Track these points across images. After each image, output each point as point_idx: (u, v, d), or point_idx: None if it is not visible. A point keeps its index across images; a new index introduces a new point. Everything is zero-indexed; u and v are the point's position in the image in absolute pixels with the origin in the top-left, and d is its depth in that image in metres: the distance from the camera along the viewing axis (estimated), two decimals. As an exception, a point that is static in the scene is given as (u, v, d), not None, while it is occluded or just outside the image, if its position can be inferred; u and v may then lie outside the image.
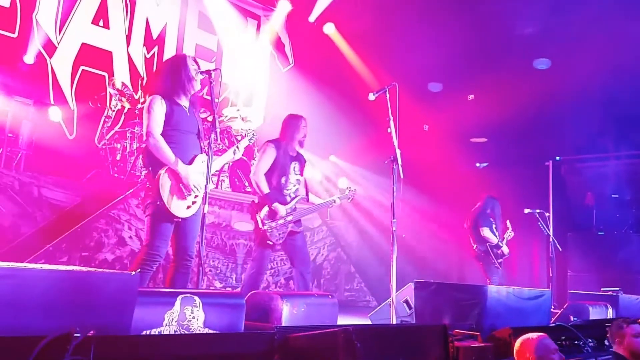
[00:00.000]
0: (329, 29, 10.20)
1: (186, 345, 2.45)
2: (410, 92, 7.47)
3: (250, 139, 4.66)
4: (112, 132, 7.36)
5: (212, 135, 3.89)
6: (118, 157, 7.08)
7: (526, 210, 7.30)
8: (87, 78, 7.90)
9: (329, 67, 10.09)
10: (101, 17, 8.13)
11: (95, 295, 2.35)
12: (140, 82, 8.29)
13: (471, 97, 10.22)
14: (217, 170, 7.09)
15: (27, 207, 5.81)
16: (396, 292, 4.44)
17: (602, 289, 6.67)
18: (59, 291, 2.25)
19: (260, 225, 4.82)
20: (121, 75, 8.18)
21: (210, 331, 2.80)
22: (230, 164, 7.62)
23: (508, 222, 7.62)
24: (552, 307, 5.38)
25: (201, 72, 4.07)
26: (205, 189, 3.85)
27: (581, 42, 8.16)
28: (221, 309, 2.92)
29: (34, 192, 5.89)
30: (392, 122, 4.51)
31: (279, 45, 10.45)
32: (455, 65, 9.37)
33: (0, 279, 2.12)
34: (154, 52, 8.71)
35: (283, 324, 3.36)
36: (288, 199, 5.01)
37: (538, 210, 7.29)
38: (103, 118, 7.70)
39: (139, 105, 7.09)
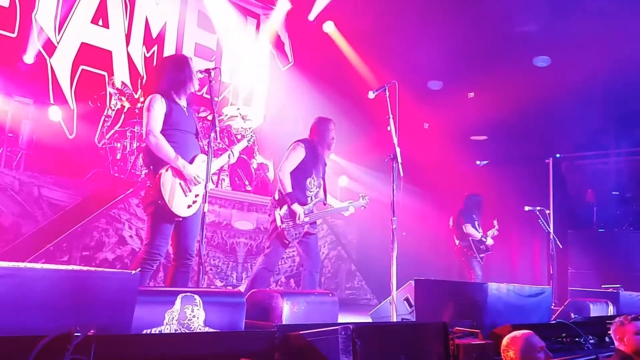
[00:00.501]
0: (329, 27, 10.20)
1: (187, 344, 2.45)
2: (410, 90, 7.47)
3: (249, 140, 4.66)
4: (112, 131, 7.36)
5: (212, 134, 3.89)
6: (118, 157, 7.08)
7: (526, 208, 7.32)
8: (87, 77, 7.89)
9: (328, 66, 10.09)
10: (100, 16, 8.13)
11: (95, 294, 2.35)
12: (139, 81, 8.29)
13: (471, 95, 10.21)
14: (216, 170, 7.11)
15: (27, 206, 5.81)
16: (397, 290, 4.44)
17: (602, 286, 6.67)
18: (59, 291, 2.25)
19: (279, 223, 4.83)
20: (121, 74, 8.17)
21: (211, 330, 2.80)
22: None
23: (495, 222, 7.87)
24: (553, 304, 5.39)
25: (201, 71, 4.08)
26: (205, 188, 3.85)
27: (581, 39, 8.15)
28: (222, 307, 2.92)
29: (34, 191, 5.90)
30: (392, 121, 4.50)
31: (278, 44, 10.44)
32: (455, 63, 9.37)
33: (0, 279, 2.12)
34: (154, 51, 8.71)
35: (284, 323, 3.36)
36: (309, 200, 5.02)
37: (538, 208, 7.31)
38: (103, 117, 7.70)
39: (139, 105, 7.08)
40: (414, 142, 8.54)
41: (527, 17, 8.57)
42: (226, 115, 8.21)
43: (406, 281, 5.40)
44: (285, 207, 4.86)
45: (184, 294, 2.75)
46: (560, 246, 7.37)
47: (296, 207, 4.86)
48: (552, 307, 5.13)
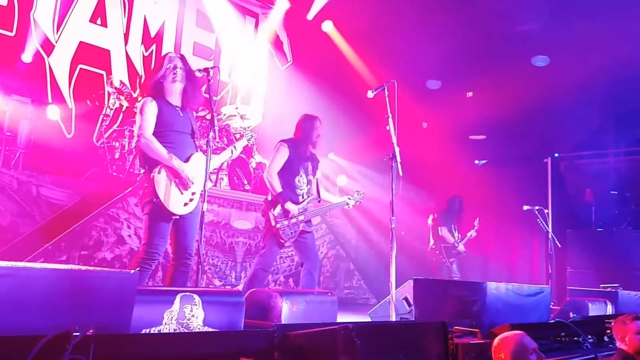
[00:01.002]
0: (327, 26, 10.19)
1: (186, 343, 2.45)
2: (408, 90, 7.47)
3: (249, 140, 4.66)
4: (111, 130, 7.34)
5: (211, 134, 3.90)
6: (117, 156, 7.07)
7: (525, 207, 7.34)
8: (85, 76, 7.88)
9: (327, 65, 10.08)
10: (99, 15, 8.12)
11: (94, 294, 2.34)
12: (138, 80, 8.27)
13: (470, 94, 10.21)
14: (215, 169, 7.10)
15: (25, 206, 5.80)
16: (395, 289, 4.44)
17: (601, 286, 6.68)
18: (58, 290, 2.24)
19: (273, 223, 4.84)
20: (119, 73, 8.16)
21: (210, 329, 2.79)
22: (229, 162, 7.61)
23: (476, 221, 8.05)
24: (552, 303, 5.39)
25: (199, 70, 4.08)
26: (204, 187, 3.85)
27: (580, 39, 8.16)
28: (221, 307, 2.91)
29: (32, 191, 5.89)
30: (391, 120, 4.50)
31: (277, 43, 10.44)
32: (454, 63, 9.36)
33: (-1, 278, 2.11)
34: (152, 50, 8.70)
35: (283, 322, 3.35)
36: (300, 198, 5.02)
37: (537, 207, 7.33)
38: (101, 116, 7.68)
39: (137, 104, 7.07)
40: (412, 142, 8.54)
41: (526, 16, 8.57)
42: (225, 114, 8.20)
43: (405, 280, 5.40)
44: (279, 207, 4.86)
45: (183, 294, 2.75)
46: (559, 245, 7.38)
47: (289, 205, 4.87)
48: (551, 306, 5.14)
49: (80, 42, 7.90)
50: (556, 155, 9.84)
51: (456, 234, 7.91)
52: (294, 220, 4.87)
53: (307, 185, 5.10)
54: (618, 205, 9.24)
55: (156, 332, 2.62)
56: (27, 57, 7.27)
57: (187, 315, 2.73)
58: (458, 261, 7.96)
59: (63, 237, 5.76)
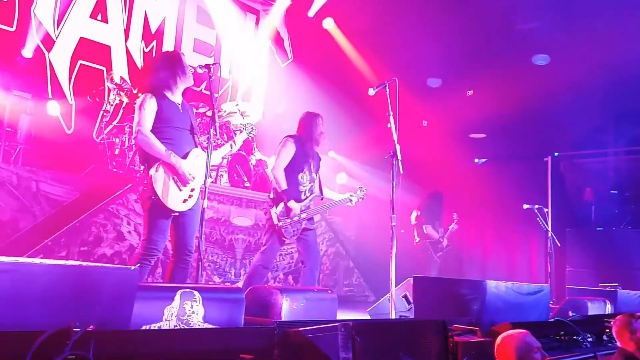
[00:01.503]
0: (328, 23, 10.17)
1: (186, 340, 2.45)
2: (409, 88, 7.46)
3: (249, 133, 4.66)
4: (111, 126, 7.33)
5: (212, 131, 3.90)
6: (116, 152, 7.06)
7: (525, 206, 7.34)
8: (86, 72, 7.86)
9: (328, 62, 10.07)
10: (99, 11, 8.10)
11: (94, 290, 2.34)
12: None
13: (470, 92, 10.20)
14: (215, 165, 7.10)
15: (25, 201, 5.79)
16: (395, 287, 4.44)
17: (600, 285, 6.68)
18: (58, 286, 2.24)
19: (275, 221, 4.83)
20: (119, 69, 8.15)
21: (210, 326, 2.80)
22: (229, 158, 7.61)
23: (455, 215, 8.16)
24: (551, 302, 5.39)
25: (200, 67, 4.08)
26: (205, 183, 3.85)
27: (580, 38, 8.15)
28: (221, 303, 2.91)
29: (32, 186, 5.88)
30: (392, 118, 4.50)
31: (278, 40, 10.42)
32: (455, 61, 9.36)
33: (-1, 274, 2.11)
34: (153, 46, 8.68)
35: (283, 319, 3.36)
36: (303, 196, 5.01)
37: (537, 206, 7.33)
38: (101, 112, 7.67)
39: (137, 100, 7.06)
40: (412, 140, 8.53)
41: (526, 15, 8.57)
42: (225, 111, 8.18)
43: (404, 278, 5.40)
44: (281, 205, 4.86)
45: (183, 290, 2.75)
46: (559, 244, 7.39)
47: (292, 204, 4.86)
48: (550, 305, 5.14)
49: (81, 37, 7.89)
50: (556, 154, 9.83)
51: (440, 230, 8.02)
52: (296, 218, 4.87)
53: (309, 183, 5.09)
54: (618, 204, 9.24)
55: (156, 328, 2.62)
56: (27, 52, 7.25)
57: (187, 311, 2.73)
58: (443, 255, 8.08)
59: (63, 233, 5.75)
